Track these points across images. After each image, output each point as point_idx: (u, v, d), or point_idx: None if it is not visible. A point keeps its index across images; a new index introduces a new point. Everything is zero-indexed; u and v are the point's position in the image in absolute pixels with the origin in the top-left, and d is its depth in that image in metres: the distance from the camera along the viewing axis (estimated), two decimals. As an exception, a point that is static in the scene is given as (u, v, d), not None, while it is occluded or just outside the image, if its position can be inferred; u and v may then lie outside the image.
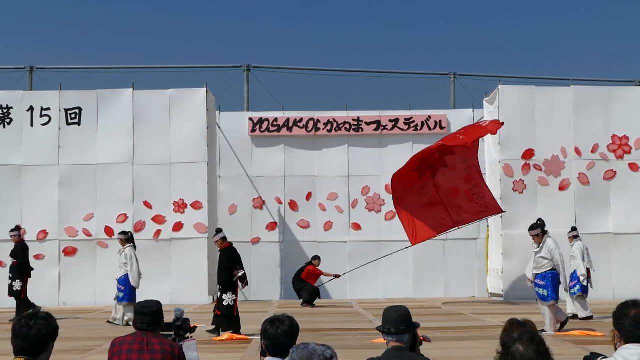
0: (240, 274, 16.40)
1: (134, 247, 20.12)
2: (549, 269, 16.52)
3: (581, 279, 19.08)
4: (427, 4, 58.98)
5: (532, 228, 17.09)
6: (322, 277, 25.30)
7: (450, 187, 23.27)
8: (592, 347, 5.84)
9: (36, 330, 4.89)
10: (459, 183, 23.22)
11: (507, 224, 25.16)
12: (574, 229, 20.46)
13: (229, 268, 16.40)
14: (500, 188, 25.65)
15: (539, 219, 17.61)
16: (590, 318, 18.57)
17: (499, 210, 23.58)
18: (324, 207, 28.35)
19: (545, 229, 17.02)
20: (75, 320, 20.35)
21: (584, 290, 19.22)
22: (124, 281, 19.59)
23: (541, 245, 16.74)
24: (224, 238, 16.90)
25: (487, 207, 23.37)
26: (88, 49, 55.54)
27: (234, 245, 16.98)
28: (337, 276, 25.30)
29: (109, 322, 19.34)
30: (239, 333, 15.84)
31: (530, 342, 4.24)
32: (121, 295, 19.51)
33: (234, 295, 16.22)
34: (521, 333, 4.34)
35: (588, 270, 19.44)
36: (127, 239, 19.99)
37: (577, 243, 19.79)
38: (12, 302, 24.39)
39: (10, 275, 21.03)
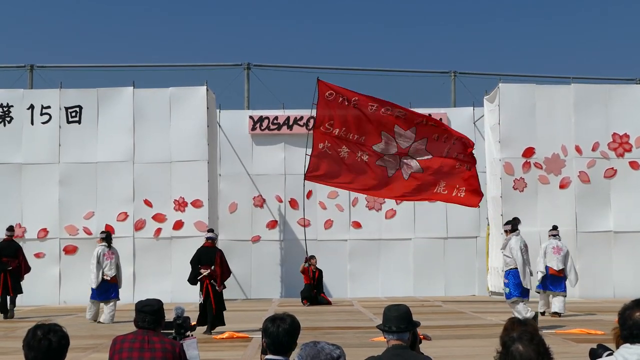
0: (205, 273, 16.38)
1: (108, 246, 19.68)
2: (511, 267, 16.62)
3: (538, 274, 19.52)
4: (427, 2, 58.99)
5: (505, 223, 17.39)
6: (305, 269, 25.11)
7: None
8: (593, 345, 5.83)
9: (56, 342, 4.93)
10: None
11: (508, 222, 25.14)
12: (554, 227, 20.57)
13: (193, 267, 16.61)
14: (501, 186, 25.67)
15: (516, 218, 17.66)
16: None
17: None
18: (324, 206, 28.34)
19: (516, 228, 17.03)
20: (76, 319, 20.35)
21: (540, 287, 19.84)
22: None
23: (505, 243, 16.92)
24: (207, 238, 17.23)
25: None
26: (88, 47, 55.57)
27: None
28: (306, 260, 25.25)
29: (99, 322, 19.24)
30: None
31: (530, 341, 4.23)
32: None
33: (200, 295, 16.34)
34: (521, 332, 4.33)
35: (549, 268, 19.72)
36: (102, 238, 19.87)
37: (549, 241, 20.17)
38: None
39: None
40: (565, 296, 19.66)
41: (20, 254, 21.24)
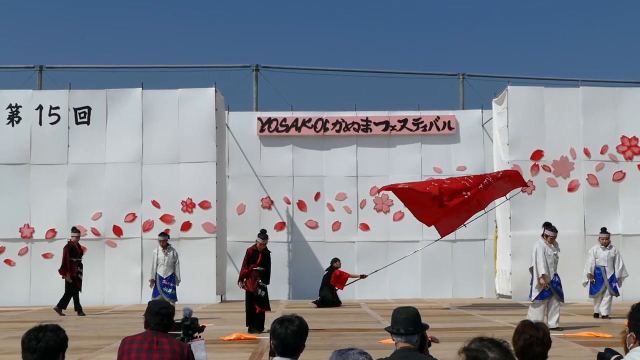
0: None
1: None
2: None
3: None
4: (436, 5, 58.94)
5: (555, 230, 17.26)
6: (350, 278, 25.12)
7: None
8: (601, 349, 5.82)
9: (44, 343, 4.96)
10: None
11: (516, 225, 25.13)
12: (602, 230, 20.76)
13: None
14: (509, 189, 25.62)
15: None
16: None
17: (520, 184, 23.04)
18: (332, 207, 28.33)
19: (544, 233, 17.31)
20: (84, 319, 20.39)
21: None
22: (172, 279, 20.88)
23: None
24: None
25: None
26: (97, 48, 55.67)
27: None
28: (363, 276, 25.22)
29: None
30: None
31: (498, 347, 4.22)
32: (169, 291, 20.65)
33: None
34: (487, 342, 4.27)
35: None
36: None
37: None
38: (8, 301, 24.65)
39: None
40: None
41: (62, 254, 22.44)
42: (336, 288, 24.76)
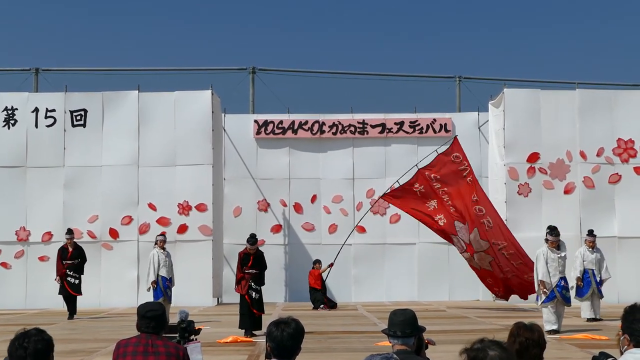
0: None
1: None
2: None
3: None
4: (432, 7, 58.98)
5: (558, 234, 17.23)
6: (323, 274, 25.45)
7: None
8: (597, 351, 5.82)
9: (32, 348, 4.94)
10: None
11: (512, 228, 25.01)
12: (589, 232, 20.75)
13: None
14: (505, 191, 25.64)
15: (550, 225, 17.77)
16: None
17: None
18: (328, 210, 28.30)
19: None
20: (79, 322, 20.36)
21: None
22: (171, 281, 20.71)
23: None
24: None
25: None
26: (94, 51, 55.57)
27: (241, 247, 17.36)
28: (330, 265, 25.43)
29: None
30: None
31: (499, 346, 4.23)
32: (169, 292, 20.49)
33: None
34: (487, 342, 4.29)
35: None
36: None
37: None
38: (4, 304, 24.56)
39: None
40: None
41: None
42: (318, 289, 24.94)
